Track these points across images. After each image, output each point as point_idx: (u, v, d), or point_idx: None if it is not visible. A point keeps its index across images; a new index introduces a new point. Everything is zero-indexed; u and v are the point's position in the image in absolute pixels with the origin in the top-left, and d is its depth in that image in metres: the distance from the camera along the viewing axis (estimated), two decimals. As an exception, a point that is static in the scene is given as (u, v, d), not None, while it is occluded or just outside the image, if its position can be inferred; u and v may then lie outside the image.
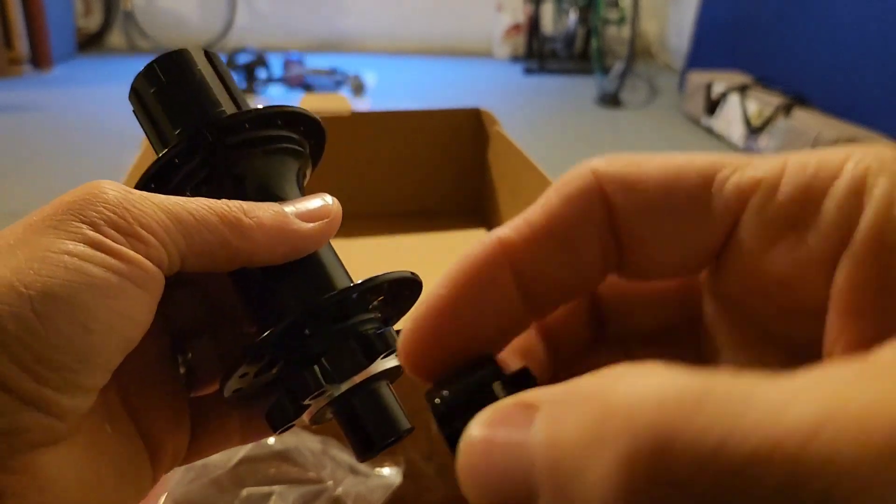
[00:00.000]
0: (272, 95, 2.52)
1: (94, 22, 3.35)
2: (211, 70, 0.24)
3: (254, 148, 0.22)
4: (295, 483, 0.45)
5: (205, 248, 0.20)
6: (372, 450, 0.21)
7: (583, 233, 0.15)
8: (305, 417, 0.22)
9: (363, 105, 2.35)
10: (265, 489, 0.44)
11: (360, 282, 0.21)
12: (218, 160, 0.22)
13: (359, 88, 2.55)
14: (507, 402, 0.12)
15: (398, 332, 0.22)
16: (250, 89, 2.50)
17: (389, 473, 0.47)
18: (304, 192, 0.24)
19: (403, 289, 0.23)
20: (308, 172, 0.25)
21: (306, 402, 0.21)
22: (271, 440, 0.46)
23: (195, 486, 0.44)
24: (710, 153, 0.15)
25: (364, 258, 0.70)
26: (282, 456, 0.46)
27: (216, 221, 0.20)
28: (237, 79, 2.49)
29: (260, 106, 0.23)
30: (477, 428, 0.12)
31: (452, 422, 0.14)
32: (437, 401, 0.14)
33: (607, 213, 0.15)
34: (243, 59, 2.54)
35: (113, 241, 0.18)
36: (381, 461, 0.47)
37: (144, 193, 0.19)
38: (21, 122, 2.10)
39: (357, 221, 0.77)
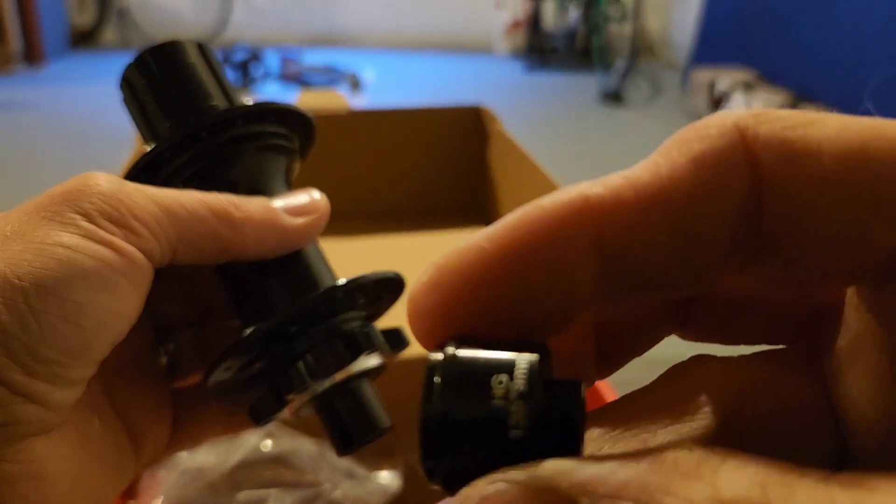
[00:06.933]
0: (268, 92, 2.51)
1: (87, 18, 3.33)
2: (203, 63, 0.24)
3: (245, 144, 0.23)
4: (291, 487, 0.44)
5: (195, 240, 0.20)
6: (350, 447, 0.22)
7: (711, 208, 0.11)
8: (287, 412, 0.22)
9: (360, 102, 2.34)
10: (261, 493, 0.44)
11: (345, 281, 0.22)
12: (209, 155, 0.22)
13: (356, 85, 2.54)
14: (535, 479, 0.09)
15: (386, 331, 0.23)
16: (246, 86, 2.50)
17: (387, 477, 0.47)
18: (293, 187, 0.24)
19: (387, 288, 0.24)
20: (296, 168, 0.26)
21: (289, 397, 0.21)
22: (268, 444, 0.45)
23: (190, 489, 0.43)
24: None
25: (361, 258, 0.70)
26: (278, 459, 0.45)
27: (207, 214, 0.20)
28: (233, 75, 2.50)
29: (251, 102, 0.23)
30: None
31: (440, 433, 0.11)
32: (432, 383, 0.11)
33: (753, 189, 0.11)
34: (239, 55, 2.53)
35: (107, 231, 0.18)
36: (380, 464, 0.47)
37: (137, 185, 0.19)
38: (13, 118, 2.09)
39: (354, 221, 0.77)
